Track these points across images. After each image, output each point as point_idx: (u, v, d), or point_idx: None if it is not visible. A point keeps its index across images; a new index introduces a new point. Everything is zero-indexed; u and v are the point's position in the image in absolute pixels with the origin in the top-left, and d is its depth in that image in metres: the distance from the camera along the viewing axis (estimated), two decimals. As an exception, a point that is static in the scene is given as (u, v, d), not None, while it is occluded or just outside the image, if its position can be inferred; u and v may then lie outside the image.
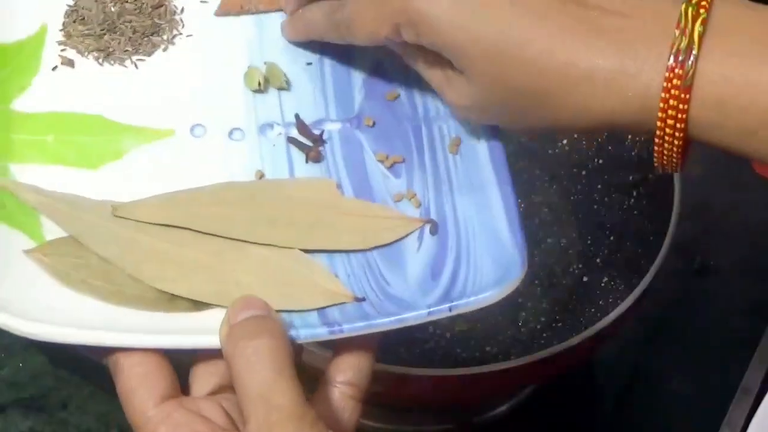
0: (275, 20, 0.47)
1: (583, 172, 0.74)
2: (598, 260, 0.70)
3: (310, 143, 0.43)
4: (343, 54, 0.46)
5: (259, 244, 0.39)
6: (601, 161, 0.73)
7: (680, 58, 0.35)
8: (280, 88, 0.45)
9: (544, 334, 0.67)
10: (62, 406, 0.66)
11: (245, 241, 0.39)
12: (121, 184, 0.41)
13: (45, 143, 0.43)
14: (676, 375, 0.70)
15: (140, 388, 0.36)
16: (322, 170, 0.43)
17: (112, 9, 0.46)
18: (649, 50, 0.36)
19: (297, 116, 0.44)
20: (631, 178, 0.70)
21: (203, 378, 0.38)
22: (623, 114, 0.37)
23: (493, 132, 0.42)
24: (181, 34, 0.46)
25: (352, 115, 0.44)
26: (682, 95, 0.36)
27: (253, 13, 0.47)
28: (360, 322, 0.37)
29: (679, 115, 0.36)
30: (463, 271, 0.39)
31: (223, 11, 0.47)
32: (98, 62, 0.45)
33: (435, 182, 0.42)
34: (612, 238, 0.70)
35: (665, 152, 0.38)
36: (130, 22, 0.46)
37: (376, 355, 0.39)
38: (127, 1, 0.47)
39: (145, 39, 0.46)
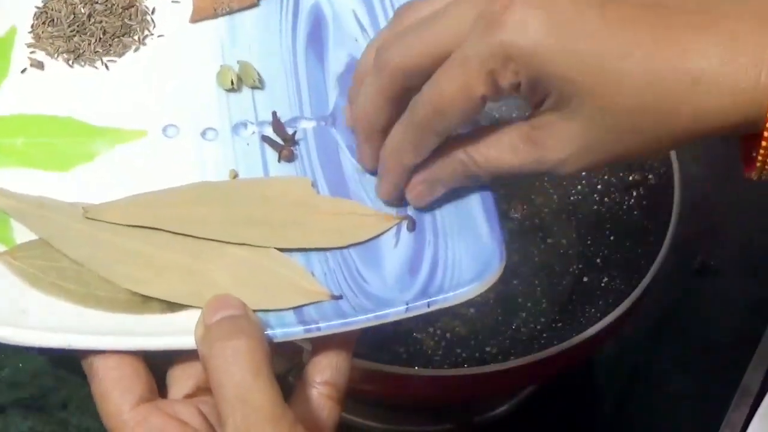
0: (247, 19, 0.47)
1: (583, 172, 0.74)
2: (598, 260, 0.70)
3: (283, 142, 0.43)
4: (317, 52, 0.45)
5: (234, 243, 0.39)
6: (601, 161, 0.73)
7: None
8: (254, 87, 0.45)
9: (544, 334, 0.67)
10: (62, 406, 0.66)
11: (220, 241, 0.39)
12: (93, 186, 0.41)
13: (14, 146, 0.42)
14: (676, 375, 0.70)
15: (115, 391, 0.35)
16: (297, 169, 0.42)
17: (82, 10, 0.46)
18: (756, 45, 0.34)
19: (274, 114, 0.44)
20: (631, 178, 0.70)
21: (180, 380, 0.37)
22: (735, 112, 0.34)
23: None
24: (152, 34, 0.46)
25: (327, 113, 0.44)
26: None
27: (227, 14, 0.47)
28: (337, 320, 0.36)
29: None
30: (441, 266, 0.39)
31: (197, 18, 0.47)
32: (68, 64, 0.45)
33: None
34: (612, 238, 0.70)
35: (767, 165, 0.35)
36: (101, 23, 0.46)
37: (352, 354, 0.38)
38: (97, 2, 0.46)
39: (116, 40, 0.46)
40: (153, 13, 0.47)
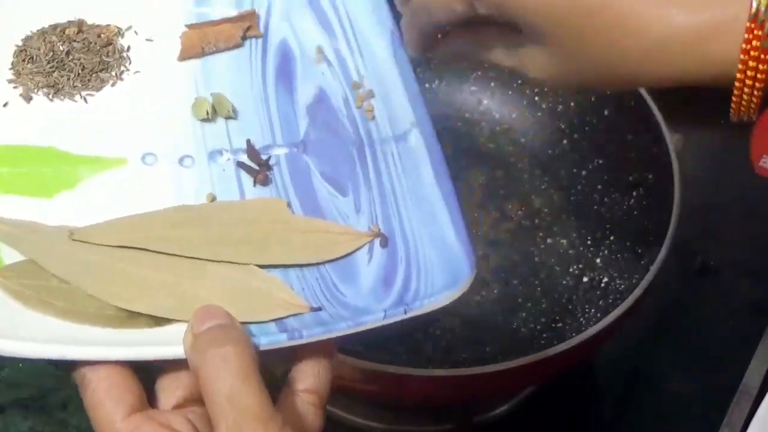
0: (219, 55, 0.49)
1: (583, 172, 0.74)
2: (598, 260, 0.70)
3: (258, 167, 0.45)
4: (287, 84, 0.48)
5: (215, 261, 0.40)
6: (601, 161, 0.74)
7: (760, 18, 0.37)
8: (228, 117, 0.47)
9: (544, 334, 0.67)
10: (62, 406, 0.66)
11: (202, 259, 0.40)
12: (76, 211, 0.42)
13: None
14: (676, 375, 0.70)
15: (107, 402, 0.36)
16: (272, 192, 0.44)
17: (61, 48, 0.48)
18: (724, 13, 0.37)
19: (248, 141, 0.46)
20: (631, 178, 0.70)
21: (169, 391, 0.38)
22: (701, 75, 0.39)
23: (434, 148, 0.44)
24: (128, 70, 0.48)
25: (298, 140, 0.46)
26: (762, 56, 0.37)
27: (213, 53, 0.49)
28: (318, 328, 0.38)
29: (758, 75, 0.37)
30: (415, 278, 0.40)
31: (185, 56, 0.49)
32: (48, 98, 0.47)
33: (381, 199, 0.44)
34: (612, 238, 0.70)
35: (742, 107, 0.40)
36: (79, 59, 0.48)
37: (334, 362, 0.39)
38: (75, 41, 0.48)
39: (94, 75, 0.48)
40: (128, 50, 0.49)
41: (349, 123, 0.47)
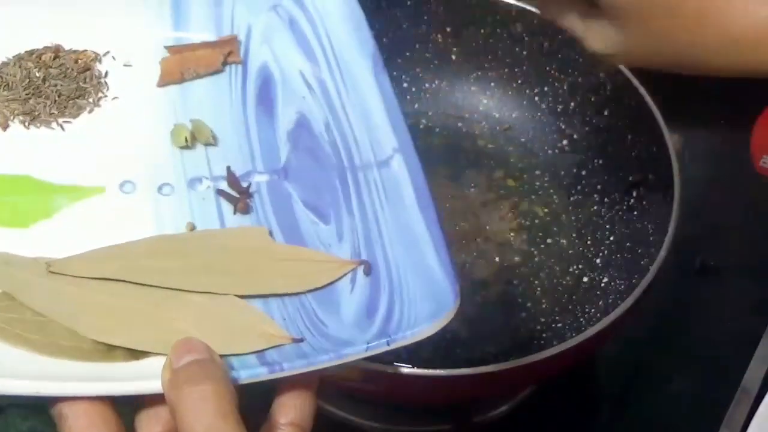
0: (198, 80, 0.48)
1: (583, 172, 0.74)
2: (598, 260, 0.70)
3: (239, 195, 0.44)
4: (267, 109, 0.47)
5: (195, 292, 0.40)
6: (601, 161, 0.74)
7: None
8: (207, 144, 0.46)
9: (544, 334, 0.67)
10: (62, 406, 0.66)
11: (181, 290, 0.40)
12: (53, 241, 0.42)
13: None
14: (676, 375, 0.70)
15: None
16: (253, 221, 0.44)
17: (37, 74, 0.47)
18: None
19: (228, 168, 0.45)
20: (631, 178, 0.70)
21: (148, 426, 0.37)
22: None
23: (417, 174, 0.43)
24: (106, 96, 0.48)
25: (279, 167, 0.46)
26: None
27: (193, 79, 0.48)
28: (299, 361, 0.37)
29: None
30: (398, 308, 0.40)
31: (163, 82, 0.48)
32: (24, 125, 0.46)
33: (364, 226, 0.43)
34: (612, 238, 0.70)
35: None
36: (56, 86, 0.47)
37: (316, 394, 0.38)
38: (51, 67, 0.48)
39: (71, 102, 0.47)
40: (106, 76, 0.48)
41: (331, 149, 0.46)
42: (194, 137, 0.46)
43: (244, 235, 0.43)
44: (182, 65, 0.48)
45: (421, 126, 0.78)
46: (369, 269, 0.41)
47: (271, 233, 0.43)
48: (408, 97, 0.79)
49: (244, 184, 0.45)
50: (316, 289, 0.41)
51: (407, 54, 0.78)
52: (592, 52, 0.45)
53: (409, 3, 0.76)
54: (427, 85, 0.79)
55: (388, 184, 0.44)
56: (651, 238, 0.63)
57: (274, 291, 0.40)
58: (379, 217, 0.43)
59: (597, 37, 0.44)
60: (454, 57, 0.78)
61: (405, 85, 0.78)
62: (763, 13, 0.38)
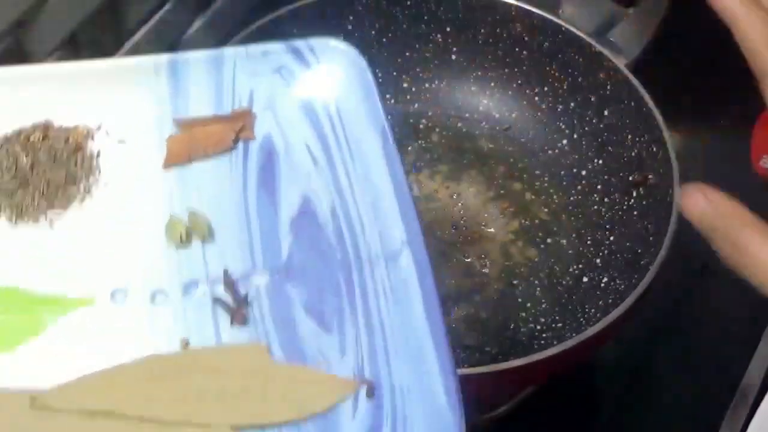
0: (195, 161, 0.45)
1: (583, 172, 0.74)
2: (598, 260, 0.70)
3: (236, 304, 0.41)
4: (269, 190, 0.44)
5: (189, 423, 0.38)
6: (601, 161, 0.74)
7: None
8: (204, 240, 0.43)
9: (544, 335, 0.67)
10: (62, 406, 0.66)
11: (173, 423, 0.38)
12: (40, 365, 0.39)
13: None
14: (676, 375, 0.70)
15: None
16: (250, 332, 0.41)
17: (24, 160, 0.44)
18: None
19: (226, 272, 0.42)
20: (631, 178, 0.70)
21: None
22: None
23: (426, 274, 0.40)
24: (98, 181, 0.44)
25: (281, 262, 0.42)
26: None
27: (202, 159, 0.44)
28: None
29: None
30: None
31: (170, 163, 0.44)
32: (11, 222, 0.43)
33: (369, 339, 0.40)
34: (612, 238, 0.70)
35: None
36: (44, 173, 0.43)
37: None
38: (40, 150, 0.44)
39: (60, 190, 0.43)
40: (98, 156, 0.45)
41: (336, 239, 0.42)
42: (190, 233, 0.42)
43: (241, 354, 0.40)
44: (191, 144, 0.44)
45: (421, 126, 0.78)
46: (372, 390, 0.39)
47: (269, 346, 0.40)
48: (408, 97, 0.78)
49: (243, 291, 0.42)
50: (316, 414, 0.38)
51: (407, 54, 0.78)
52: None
53: (409, 3, 0.76)
54: (427, 85, 0.79)
55: (395, 284, 0.41)
56: (651, 238, 0.63)
57: (272, 419, 0.38)
58: (385, 325, 0.40)
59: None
60: (454, 57, 0.78)
61: (405, 85, 0.78)
62: None
